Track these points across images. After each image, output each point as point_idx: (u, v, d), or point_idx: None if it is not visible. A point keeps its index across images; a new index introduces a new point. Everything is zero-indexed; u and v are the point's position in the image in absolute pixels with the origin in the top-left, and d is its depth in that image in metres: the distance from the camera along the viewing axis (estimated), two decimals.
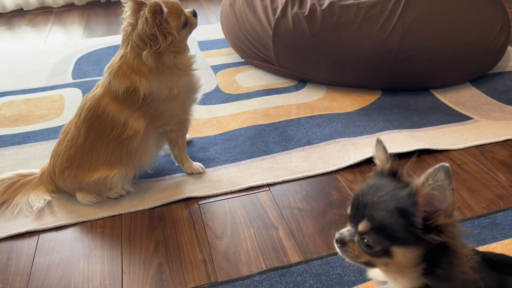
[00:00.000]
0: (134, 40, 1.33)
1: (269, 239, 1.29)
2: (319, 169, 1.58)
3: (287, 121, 1.90)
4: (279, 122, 1.89)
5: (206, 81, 2.29)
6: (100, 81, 1.44)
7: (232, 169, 1.60)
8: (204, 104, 2.07)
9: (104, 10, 3.79)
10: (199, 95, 1.52)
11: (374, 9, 1.98)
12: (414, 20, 1.94)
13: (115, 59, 1.40)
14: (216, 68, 2.46)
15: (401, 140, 1.70)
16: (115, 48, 2.85)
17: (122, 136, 1.38)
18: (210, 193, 1.48)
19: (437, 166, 0.64)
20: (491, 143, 1.67)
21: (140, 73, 1.35)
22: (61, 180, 1.44)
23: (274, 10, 2.14)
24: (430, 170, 0.65)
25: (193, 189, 1.51)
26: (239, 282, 1.15)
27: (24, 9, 3.79)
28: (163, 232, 1.34)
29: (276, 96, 2.12)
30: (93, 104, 1.39)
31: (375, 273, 0.81)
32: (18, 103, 2.18)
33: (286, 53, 2.16)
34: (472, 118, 1.85)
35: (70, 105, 2.14)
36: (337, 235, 0.75)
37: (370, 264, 0.74)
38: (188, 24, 1.43)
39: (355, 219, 0.73)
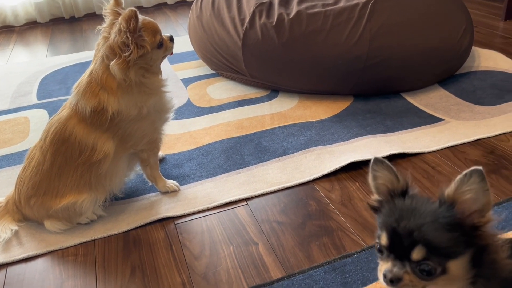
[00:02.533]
0: (104, 52, 1.29)
1: (249, 256, 1.26)
2: (296, 179, 1.56)
3: (261, 132, 1.87)
4: (253, 133, 1.87)
5: (177, 95, 2.26)
6: (68, 102, 1.39)
7: (208, 185, 1.56)
8: (176, 119, 2.03)
9: (68, 26, 3.70)
10: (170, 115, 1.48)
11: (341, 16, 1.99)
12: (381, 25, 1.96)
13: (84, 76, 1.35)
14: (187, 81, 2.42)
15: (376, 146, 1.70)
16: (81, 65, 2.78)
17: (91, 160, 1.33)
18: (186, 211, 1.44)
19: (468, 170, 0.65)
20: (463, 144, 1.70)
21: (108, 89, 1.30)
22: (28, 208, 1.37)
23: (242, 21, 2.13)
24: (460, 176, 0.66)
25: (168, 208, 1.46)
26: None
27: None
28: (139, 256, 1.29)
29: (249, 107, 2.10)
30: (59, 127, 1.33)
31: None
32: None
33: (257, 63, 2.15)
34: (443, 120, 1.88)
35: (35, 127, 2.06)
36: (389, 275, 0.68)
37: None
38: (164, 46, 1.39)
39: (400, 249, 0.68)
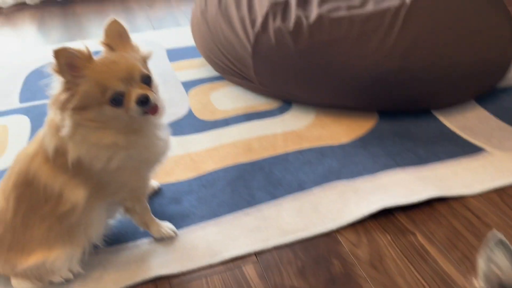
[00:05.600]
0: None
1: None
2: (315, 226, 1.31)
3: (273, 158, 1.61)
4: (264, 159, 1.61)
5: (176, 103, 1.98)
6: (41, 130, 1.12)
7: (210, 230, 1.32)
8: (176, 134, 1.76)
9: (60, 10, 3.38)
10: (164, 159, 1.19)
11: (369, 22, 1.70)
12: (417, 35, 1.67)
13: None
14: (188, 85, 2.14)
15: (408, 184, 1.44)
16: None
17: (58, 210, 1.07)
18: (184, 269, 1.19)
19: None
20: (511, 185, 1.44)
21: None
22: None
23: (253, 22, 1.83)
24: None
25: (162, 262, 1.21)
26: None
27: None
28: None
29: (258, 122, 1.83)
30: (24, 167, 1.07)
31: None
32: None
33: (269, 71, 1.87)
34: (484, 149, 1.62)
35: (16, 139, 1.78)
36: None
37: None
38: (123, 107, 0.99)
39: None
